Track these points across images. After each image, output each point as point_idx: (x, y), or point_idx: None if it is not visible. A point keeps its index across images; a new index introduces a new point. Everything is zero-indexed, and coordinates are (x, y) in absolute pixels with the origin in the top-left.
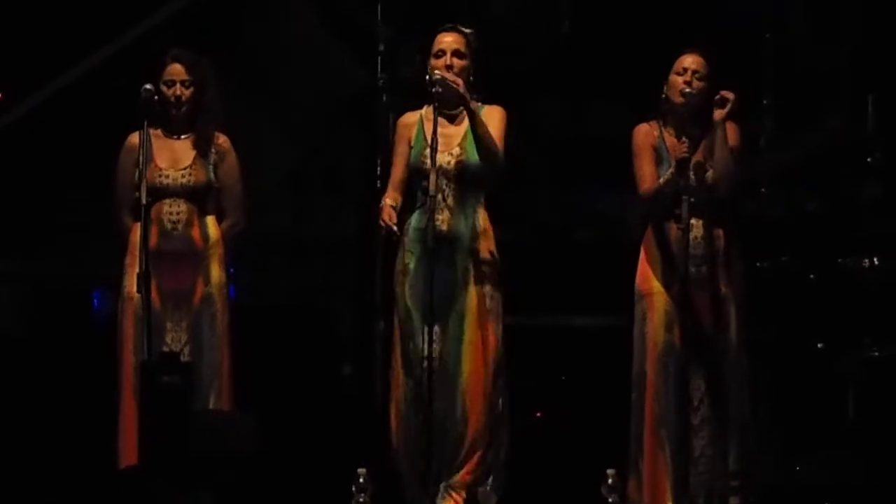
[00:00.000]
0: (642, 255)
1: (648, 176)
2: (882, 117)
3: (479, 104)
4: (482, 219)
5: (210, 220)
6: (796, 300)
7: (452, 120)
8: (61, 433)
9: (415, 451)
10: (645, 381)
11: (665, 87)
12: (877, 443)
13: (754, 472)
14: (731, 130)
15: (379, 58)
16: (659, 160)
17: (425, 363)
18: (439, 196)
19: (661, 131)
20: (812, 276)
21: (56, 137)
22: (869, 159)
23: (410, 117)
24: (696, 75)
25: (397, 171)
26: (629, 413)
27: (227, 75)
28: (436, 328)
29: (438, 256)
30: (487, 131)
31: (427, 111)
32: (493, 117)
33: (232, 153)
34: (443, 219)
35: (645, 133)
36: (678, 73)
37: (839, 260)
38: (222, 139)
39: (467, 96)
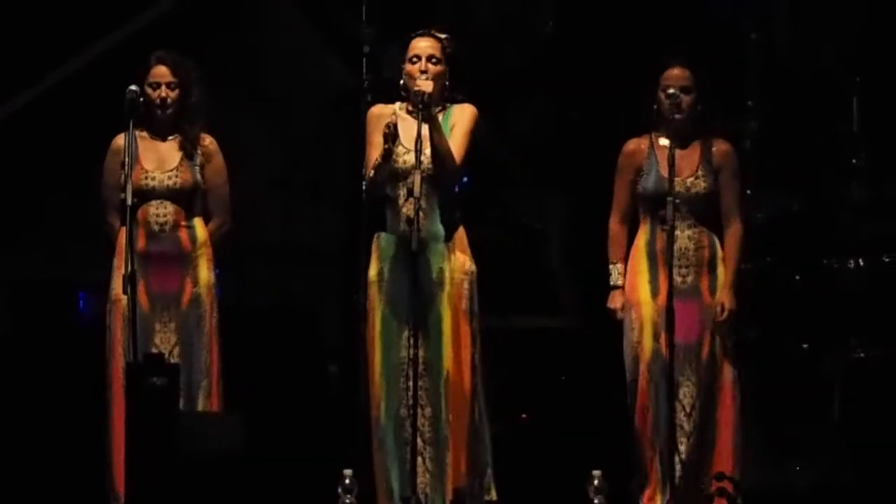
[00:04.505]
0: (630, 263)
1: (620, 200)
2: (867, 118)
3: (449, 105)
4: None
5: (197, 222)
6: (781, 302)
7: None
8: (47, 434)
9: (391, 462)
10: (636, 389)
11: (656, 102)
12: (862, 444)
13: (743, 475)
14: (735, 182)
15: (364, 59)
16: (648, 171)
17: (406, 368)
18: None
19: (651, 142)
20: (797, 277)
21: (42, 138)
22: (854, 161)
23: (383, 109)
24: (684, 90)
25: (377, 155)
26: (614, 414)
27: (212, 78)
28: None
29: (417, 260)
30: (444, 140)
31: (400, 108)
32: (463, 115)
33: (218, 154)
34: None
35: (629, 153)
36: (664, 91)
37: (824, 261)
38: (208, 140)
39: (431, 110)
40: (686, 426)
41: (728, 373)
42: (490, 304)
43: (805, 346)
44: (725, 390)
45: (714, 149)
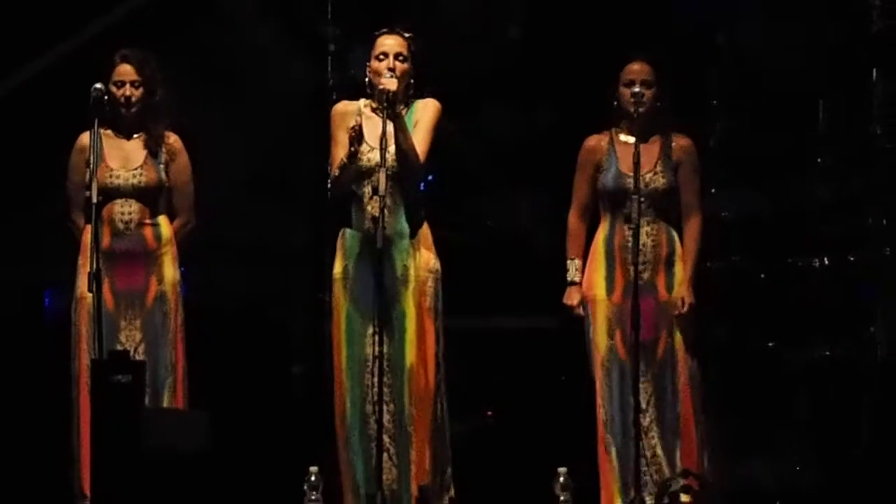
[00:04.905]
0: (588, 260)
1: (580, 196)
2: (832, 119)
3: (413, 101)
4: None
5: (162, 220)
6: (747, 300)
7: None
8: (13, 432)
9: (357, 458)
10: (594, 386)
11: (616, 98)
12: (828, 443)
13: (704, 470)
14: (695, 177)
15: (329, 58)
16: (608, 167)
17: (370, 365)
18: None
19: (612, 139)
20: (762, 276)
21: (5, 137)
22: (819, 160)
23: (347, 106)
24: (644, 84)
25: (342, 153)
26: (578, 412)
27: (182, 79)
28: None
29: (382, 257)
30: (409, 138)
31: (365, 106)
32: (426, 110)
33: (183, 153)
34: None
35: (589, 150)
36: (626, 85)
37: (789, 260)
38: (173, 139)
39: (396, 108)
40: (643, 422)
41: (686, 369)
42: (455, 304)
43: (770, 344)
44: (684, 386)
45: (674, 144)
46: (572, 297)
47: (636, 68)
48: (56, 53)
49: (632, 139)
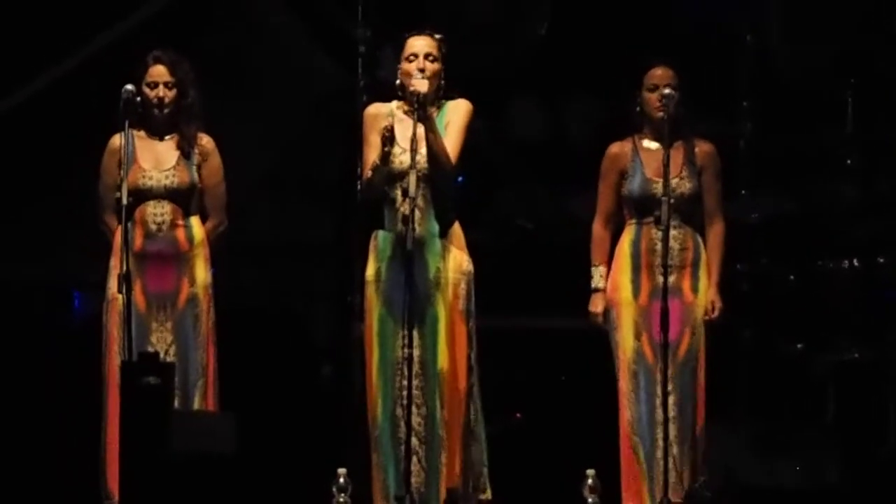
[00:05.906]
0: (614, 264)
1: (604, 203)
2: (860, 120)
3: (444, 102)
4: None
5: (194, 221)
6: (775, 302)
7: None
8: (43, 433)
9: (388, 461)
10: (618, 388)
11: (640, 103)
12: (855, 445)
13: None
14: (718, 182)
15: (359, 60)
16: (633, 174)
17: (402, 366)
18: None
19: (635, 145)
20: (791, 277)
21: (38, 139)
22: (847, 161)
23: (380, 108)
24: (669, 88)
25: (374, 155)
26: (606, 414)
27: (203, 77)
28: (413, 332)
29: (412, 259)
30: (440, 141)
31: (397, 108)
32: (458, 111)
33: (215, 154)
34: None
35: (612, 157)
36: (650, 90)
37: (818, 262)
38: (205, 140)
39: (427, 109)
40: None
41: (702, 371)
42: (484, 304)
43: (799, 346)
44: (700, 389)
45: (697, 149)
46: (596, 305)
47: (660, 73)
48: (78, 57)
49: (655, 145)
